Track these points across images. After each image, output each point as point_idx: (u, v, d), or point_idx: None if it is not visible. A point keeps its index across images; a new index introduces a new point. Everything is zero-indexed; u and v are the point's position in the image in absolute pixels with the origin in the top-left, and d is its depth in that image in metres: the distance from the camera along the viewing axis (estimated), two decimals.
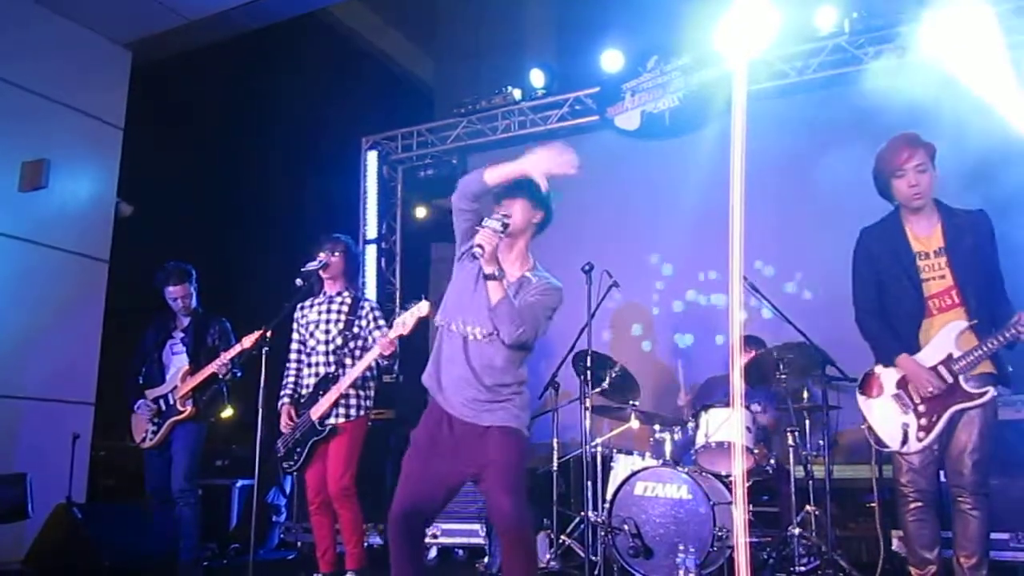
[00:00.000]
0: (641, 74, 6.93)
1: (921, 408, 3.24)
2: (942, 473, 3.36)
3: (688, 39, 6.64)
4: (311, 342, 4.53)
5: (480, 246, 2.79)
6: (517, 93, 7.52)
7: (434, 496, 2.94)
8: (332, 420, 4.36)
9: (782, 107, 6.65)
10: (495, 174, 2.91)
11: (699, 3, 6.15)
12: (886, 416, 3.32)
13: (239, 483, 6.58)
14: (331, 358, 4.44)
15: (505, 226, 2.87)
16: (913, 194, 3.27)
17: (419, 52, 9.71)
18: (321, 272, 4.50)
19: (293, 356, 4.60)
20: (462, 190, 2.99)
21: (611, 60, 7.07)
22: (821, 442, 4.57)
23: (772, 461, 4.77)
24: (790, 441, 4.58)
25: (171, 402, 4.79)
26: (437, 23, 9.39)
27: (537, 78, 7.47)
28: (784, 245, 6.48)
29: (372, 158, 8.25)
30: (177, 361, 4.89)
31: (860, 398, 3.44)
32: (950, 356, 3.20)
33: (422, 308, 3.97)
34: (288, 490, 6.62)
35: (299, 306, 4.63)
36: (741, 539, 3.49)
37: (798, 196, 6.54)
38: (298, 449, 4.38)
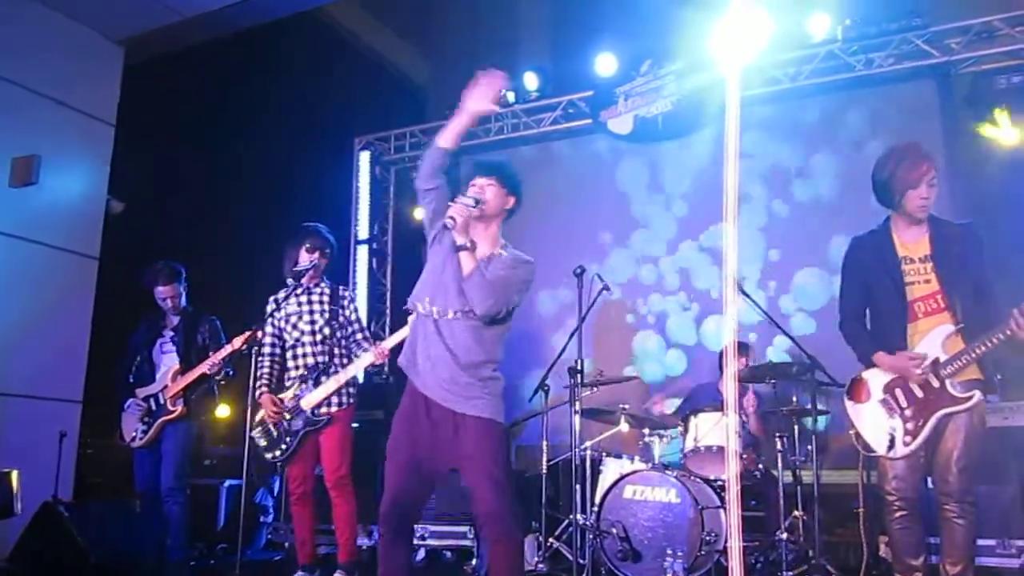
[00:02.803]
0: (635, 78, 6.95)
1: (908, 412, 3.26)
2: (929, 480, 3.39)
3: (682, 44, 6.66)
4: (294, 333, 4.49)
5: (452, 217, 2.86)
6: (510, 95, 7.50)
7: (420, 488, 2.98)
8: (326, 409, 4.37)
9: (775, 113, 6.69)
10: (446, 134, 3.00)
11: (693, 8, 6.18)
12: (873, 421, 3.34)
13: (227, 483, 6.55)
14: (321, 347, 4.45)
15: (477, 202, 2.94)
16: (922, 206, 3.32)
17: (413, 53, 9.69)
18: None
19: (267, 350, 4.51)
20: (423, 169, 3.06)
21: (605, 64, 7.09)
22: (809, 447, 4.59)
23: (760, 466, 4.78)
24: (778, 446, 4.59)
25: (161, 401, 4.76)
26: (431, 24, 9.39)
27: (531, 81, 7.47)
28: (776, 249, 6.51)
29: (364, 159, 8.25)
30: (167, 360, 4.86)
31: (848, 403, 3.46)
32: (936, 360, 3.22)
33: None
34: (276, 490, 6.60)
35: (272, 299, 4.60)
36: (735, 543, 3.50)
37: (790, 201, 6.57)
38: (287, 439, 4.36)
